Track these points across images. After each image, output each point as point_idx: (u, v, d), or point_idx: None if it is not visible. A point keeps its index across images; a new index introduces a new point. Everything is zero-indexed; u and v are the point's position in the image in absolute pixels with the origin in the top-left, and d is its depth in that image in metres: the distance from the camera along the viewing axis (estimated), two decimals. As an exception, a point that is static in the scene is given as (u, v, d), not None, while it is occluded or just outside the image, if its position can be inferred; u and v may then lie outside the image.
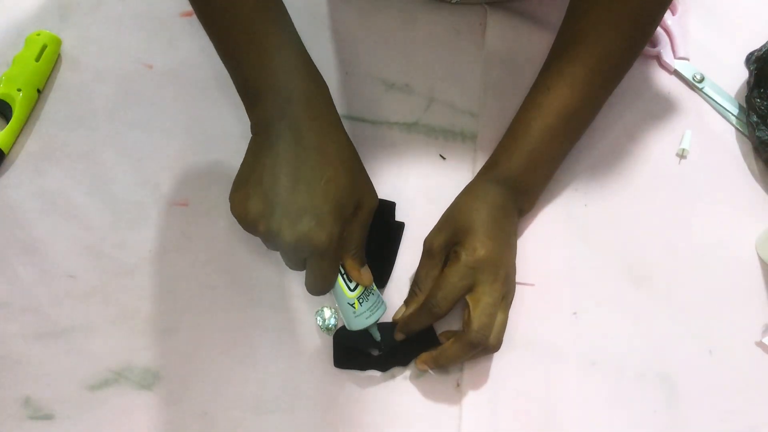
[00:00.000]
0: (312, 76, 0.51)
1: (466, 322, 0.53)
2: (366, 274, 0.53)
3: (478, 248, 0.53)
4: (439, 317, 0.54)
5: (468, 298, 0.53)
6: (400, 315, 0.57)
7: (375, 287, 0.55)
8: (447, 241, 0.55)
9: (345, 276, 0.53)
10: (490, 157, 0.60)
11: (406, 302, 0.57)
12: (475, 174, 0.60)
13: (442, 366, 0.55)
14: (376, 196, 0.55)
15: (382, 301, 0.55)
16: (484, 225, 0.54)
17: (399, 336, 0.56)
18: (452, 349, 0.53)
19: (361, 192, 0.52)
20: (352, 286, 0.53)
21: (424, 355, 0.56)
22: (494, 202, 0.56)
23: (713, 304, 0.61)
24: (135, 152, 0.63)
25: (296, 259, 0.50)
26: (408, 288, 0.59)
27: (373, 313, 0.54)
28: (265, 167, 0.47)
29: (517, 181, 0.57)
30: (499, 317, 0.53)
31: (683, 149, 0.65)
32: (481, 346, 0.52)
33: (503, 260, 0.55)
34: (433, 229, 0.57)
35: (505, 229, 0.56)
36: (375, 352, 0.56)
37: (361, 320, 0.54)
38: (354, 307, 0.53)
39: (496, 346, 0.54)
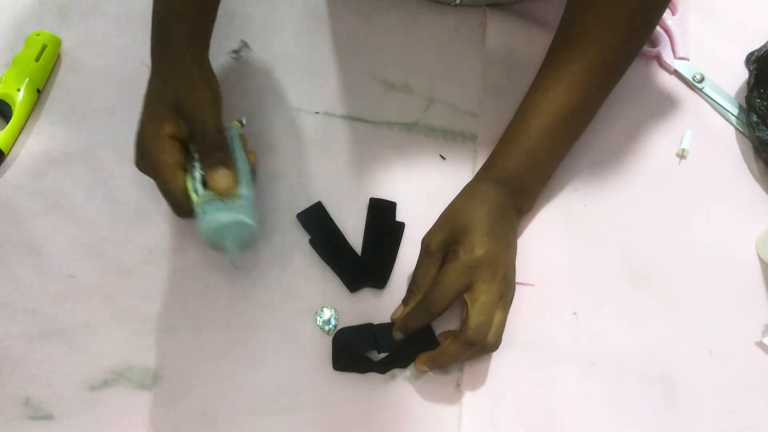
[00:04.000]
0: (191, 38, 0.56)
1: (464, 321, 0.53)
2: (221, 178, 0.52)
3: (476, 247, 0.53)
4: (435, 316, 0.54)
5: (466, 296, 0.53)
6: (398, 314, 0.57)
7: (246, 208, 0.53)
8: (445, 240, 0.55)
9: (198, 181, 0.53)
10: (489, 158, 0.60)
11: (404, 301, 0.57)
12: (475, 174, 0.60)
13: (441, 366, 0.55)
14: (210, 107, 0.54)
15: (248, 224, 0.52)
16: (482, 224, 0.54)
17: (398, 335, 0.56)
18: (450, 349, 0.53)
19: (182, 98, 0.53)
20: (200, 190, 0.52)
21: (422, 356, 0.56)
22: (493, 202, 0.56)
23: (713, 304, 0.61)
24: (135, 152, 0.63)
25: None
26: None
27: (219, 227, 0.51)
28: None
29: (515, 181, 0.57)
30: (498, 316, 0.53)
31: (683, 149, 0.65)
32: (479, 345, 0.52)
33: (502, 259, 0.54)
34: (431, 229, 0.57)
35: (504, 228, 0.56)
36: (374, 354, 0.56)
37: (203, 226, 0.51)
38: (198, 212, 0.52)
39: (495, 345, 0.54)
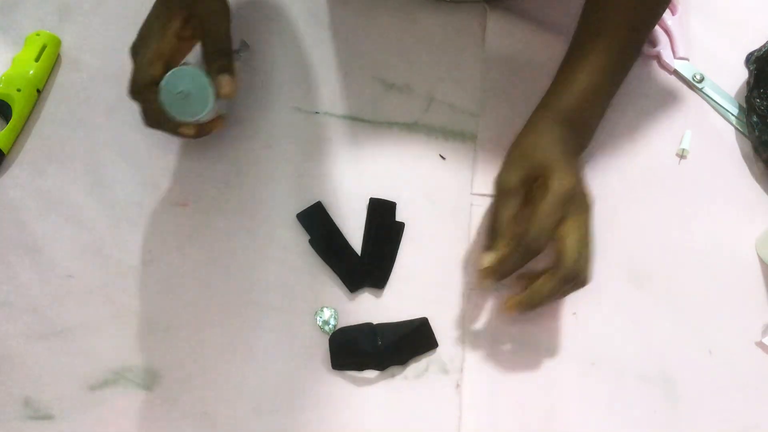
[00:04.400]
0: None
1: (559, 257, 0.52)
2: (226, 84, 0.55)
3: (565, 180, 0.52)
4: (535, 255, 0.52)
5: (558, 231, 0.52)
6: (487, 261, 0.54)
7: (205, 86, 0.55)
8: (524, 178, 0.54)
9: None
10: (542, 101, 0.60)
11: (488, 248, 0.54)
12: (475, 172, 0.60)
13: (535, 306, 0.53)
14: (222, 15, 0.56)
15: (202, 74, 0.55)
16: (562, 158, 0.54)
17: (487, 284, 0.55)
18: (547, 287, 0.52)
19: (197, 2, 0.55)
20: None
21: (513, 299, 0.54)
22: (561, 137, 0.56)
23: (713, 304, 0.61)
24: (135, 152, 0.63)
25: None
26: (408, 289, 0.59)
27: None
28: None
29: (574, 119, 0.57)
30: (590, 250, 0.53)
31: (683, 149, 0.65)
32: (575, 279, 0.52)
33: (587, 192, 0.54)
34: (502, 170, 0.55)
35: (577, 162, 0.56)
36: (372, 352, 0.56)
37: (163, 81, 0.54)
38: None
39: (589, 279, 0.53)
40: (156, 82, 0.55)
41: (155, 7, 0.57)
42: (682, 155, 0.66)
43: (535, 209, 0.52)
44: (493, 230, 0.55)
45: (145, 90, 0.55)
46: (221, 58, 0.56)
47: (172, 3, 0.56)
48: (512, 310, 0.54)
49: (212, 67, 0.55)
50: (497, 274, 0.53)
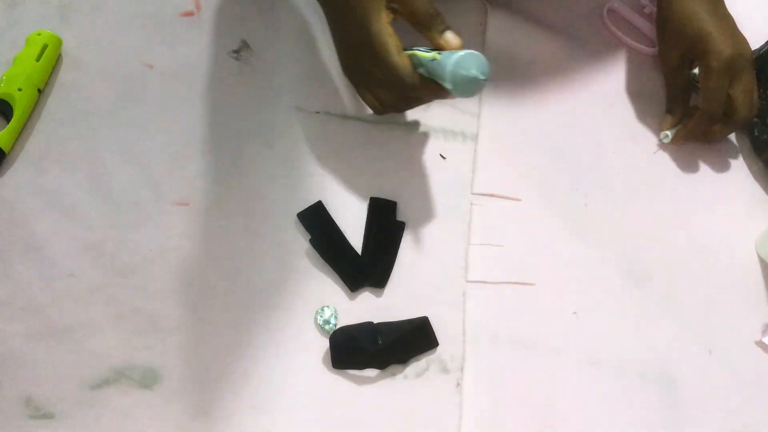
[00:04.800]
0: None
1: (734, 112, 0.61)
2: (453, 39, 0.54)
3: (723, 51, 0.58)
4: (716, 121, 0.63)
5: (729, 91, 0.60)
6: (667, 125, 0.66)
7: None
8: (684, 53, 0.62)
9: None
10: None
11: (671, 113, 0.66)
12: (475, 172, 0.60)
13: (702, 141, 0.65)
14: None
15: (479, 54, 0.52)
16: (715, 25, 0.59)
17: (678, 141, 0.65)
18: (723, 133, 0.63)
19: None
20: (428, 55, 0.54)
21: (682, 131, 0.65)
22: (709, 3, 0.61)
23: (713, 304, 0.61)
24: (135, 152, 0.63)
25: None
26: (408, 288, 0.59)
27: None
28: None
29: None
30: (755, 96, 0.61)
31: (666, 134, 0.66)
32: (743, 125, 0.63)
33: (742, 47, 0.59)
34: (663, 48, 0.65)
35: (726, 15, 0.61)
36: (373, 351, 0.56)
37: (448, 66, 0.51)
38: (436, 58, 0.52)
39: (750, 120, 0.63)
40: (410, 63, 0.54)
41: (360, 11, 0.55)
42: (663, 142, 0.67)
43: (706, 86, 0.60)
44: (671, 103, 0.66)
45: (415, 80, 0.54)
46: (435, 21, 0.54)
47: (369, 4, 0.55)
48: (679, 140, 0.64)
49: (433, 33, 0.54)
50: (684, 140, 0.64)
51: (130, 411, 0.54)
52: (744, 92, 0.60)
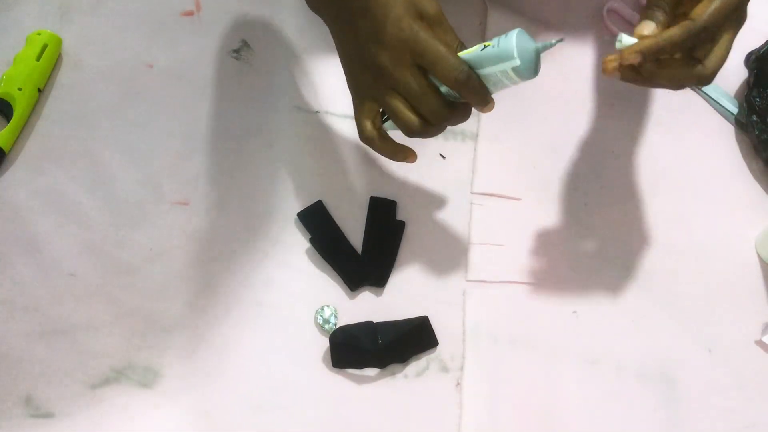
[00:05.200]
0: None
1: (710, 55, 0.50)
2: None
3: None
4: (687, 48, 0.49)
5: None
6: (647, 29, 0.50)
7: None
8: None
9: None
10: None
11: (650, 19, 0.51)
12: (475, 172, 0.60)
13: (655, 54, 0.49)
14: None
15: (524, 33, 0.50)
16: None
17: (633, 56, 0.48)
18: (677, 72, 0.50)
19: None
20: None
21: (645, 45, 0.48)
22: None
23: (713, 303, 0.61)
24: (135, 151, 0.63)
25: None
26: (408, 288, 0.59)
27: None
28: None
29: None
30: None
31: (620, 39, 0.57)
32: (706, 78, 0.50)
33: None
34: None
35: None
36: (373, 350, 0.56)
37: (512, 44, 0.49)
38: (488, 46, 0.50)
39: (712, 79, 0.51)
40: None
41: (392, 17, 0.50)
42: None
43: (696, 18, 0.49)
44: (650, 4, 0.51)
45: (468, 73, 0.50)
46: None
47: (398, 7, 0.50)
48: (631, 58, 0.48)
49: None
50: (636, 58, 0.48)
51: (130, 410, 0.54)
52: (728, 42, 0.52)
